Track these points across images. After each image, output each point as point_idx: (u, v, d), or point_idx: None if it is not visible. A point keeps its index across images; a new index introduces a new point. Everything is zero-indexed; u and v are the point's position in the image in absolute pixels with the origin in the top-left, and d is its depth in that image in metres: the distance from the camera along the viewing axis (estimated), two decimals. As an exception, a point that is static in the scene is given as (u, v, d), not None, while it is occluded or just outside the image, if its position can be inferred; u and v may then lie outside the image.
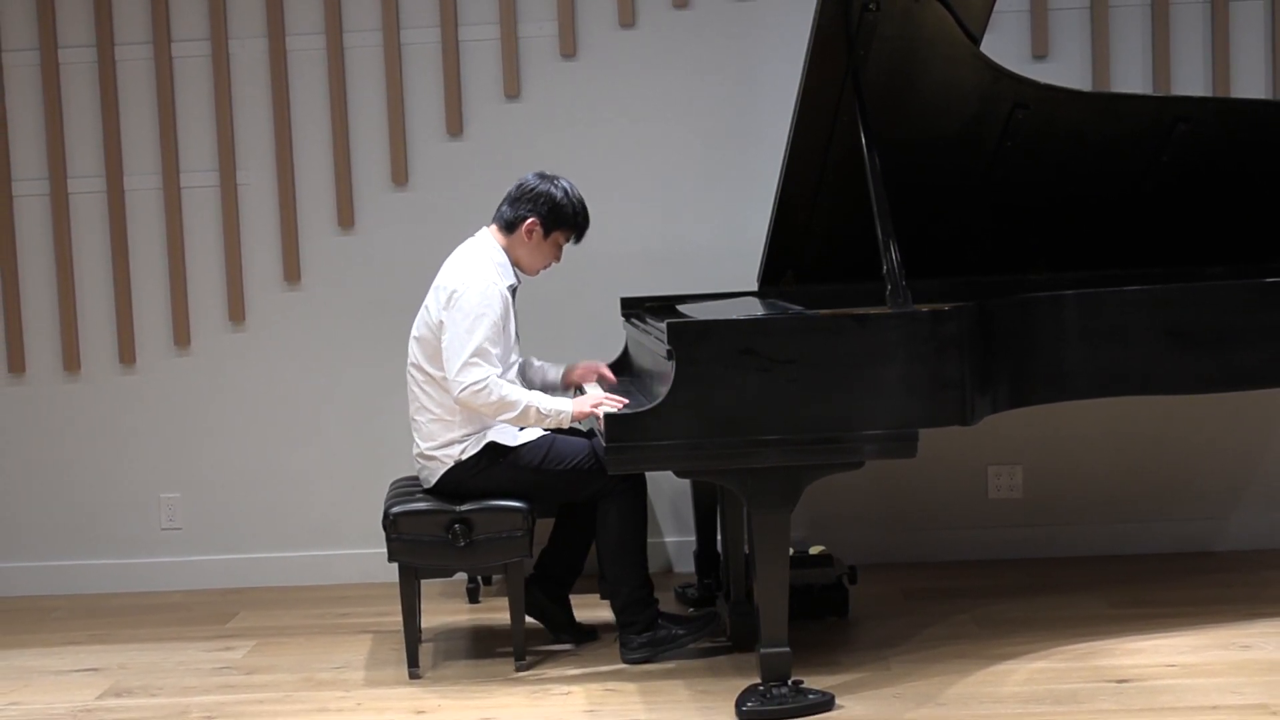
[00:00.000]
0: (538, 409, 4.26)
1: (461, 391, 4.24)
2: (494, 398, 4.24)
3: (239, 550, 5.58)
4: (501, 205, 4.49)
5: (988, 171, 4.71)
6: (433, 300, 4.40)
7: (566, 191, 4.45)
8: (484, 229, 4.51)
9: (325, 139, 5.48)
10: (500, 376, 4.28)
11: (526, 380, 4.67)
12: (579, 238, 4.52)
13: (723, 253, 5.36)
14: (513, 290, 4.43)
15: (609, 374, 4.70)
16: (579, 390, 4.65)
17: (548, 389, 4.65)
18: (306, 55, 5.47)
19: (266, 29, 5.45)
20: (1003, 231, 4.86)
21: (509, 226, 4.46)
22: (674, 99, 5.43)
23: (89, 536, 5.60)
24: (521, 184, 4.48)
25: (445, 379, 4.31)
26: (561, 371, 4.73)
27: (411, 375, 4.45)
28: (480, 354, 4.25)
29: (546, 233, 4.45)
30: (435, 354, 4.35)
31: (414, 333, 4.45)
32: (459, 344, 4.26)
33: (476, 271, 4.35)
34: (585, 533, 4.56)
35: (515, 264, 4.48)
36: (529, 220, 4.42)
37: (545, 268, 4.55)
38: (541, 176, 4.47)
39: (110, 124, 5.48)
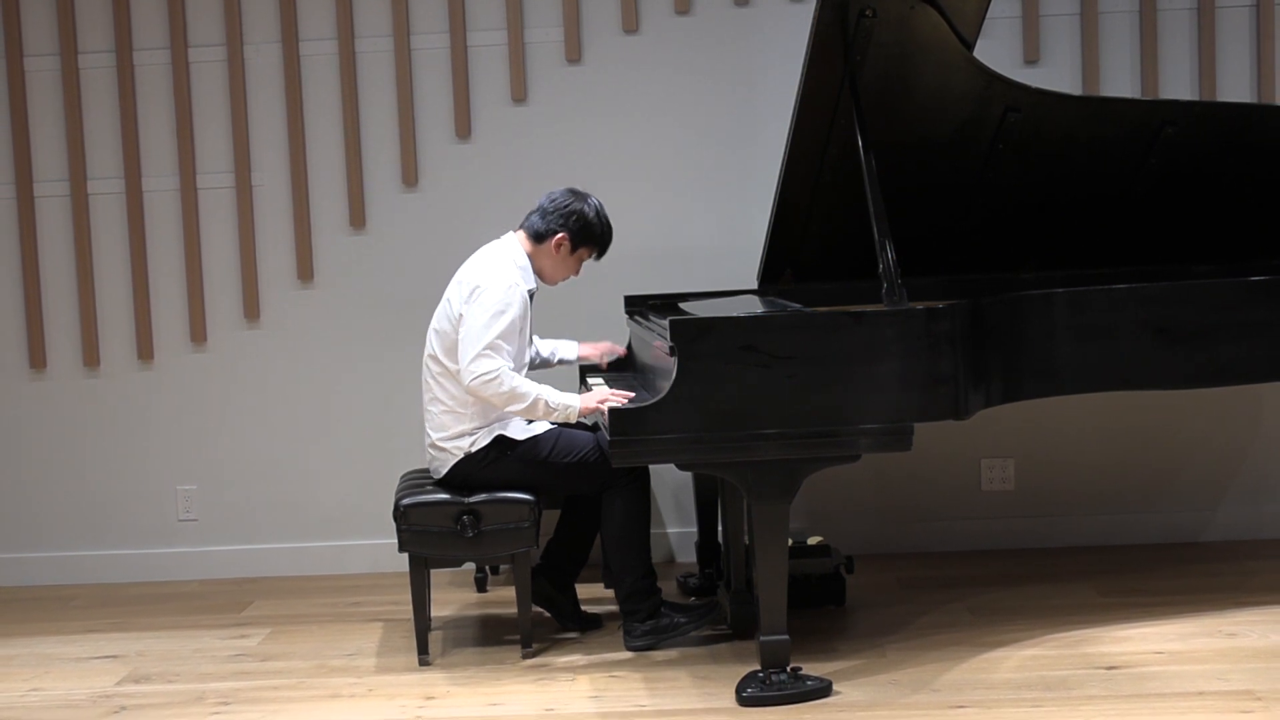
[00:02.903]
0: (546, 402, 4.26)
1: (472, 380, 4.25)
2: (505, 388, 4.24)
3: (253, 541, 5.59)
4: (532, 214, 4.48)
5: (981, 173, 4.71)
6: (455, 294, 4.40)
7: (598, 211, 4.46)
8: (510, 233, 4.51)
9: (337, 141, 5.48)
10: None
11: (539, 356, 4.76)
12: (601, 255, 4.54)
13: (723, 251, 5.36)
14: (531, 295, 4.43)
15: (620, 350, 4.84)
16: (585, 386, 4.65)
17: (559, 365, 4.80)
18: (319, 60, 5.47)
19: (280, 35, 5.45)
20: (995, 231, 4.86)
21: (538, 237, 4.45)
22: (676, 102, 5.43)
23: (107, 527, 5.60)
24: (554, 198, 4.47)
25: (459, 371, 4.31)
26: (575, 348, 4.76)
27: (427, 366, 4.46)
28: (494, 348, 4.25)
29: (574, 249, 4.46)
30: (453, 347, 4.35)
31: (434, 325, 4.45)
32: (475, 336, 4.27)
33: (501, 270, 4.35)
34: (590, 524, 4.56)
35: (537, 272, 4.48)
36: (559, 235, 4.42)
37: (564, 279, 4.56)
38: (574, 194, 4.46)
39: (129, 127, 5.48)
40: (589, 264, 4.41)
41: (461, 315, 4.32)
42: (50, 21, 5.48)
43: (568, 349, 4.85)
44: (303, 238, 5.50)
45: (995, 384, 4.10)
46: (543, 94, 5.45)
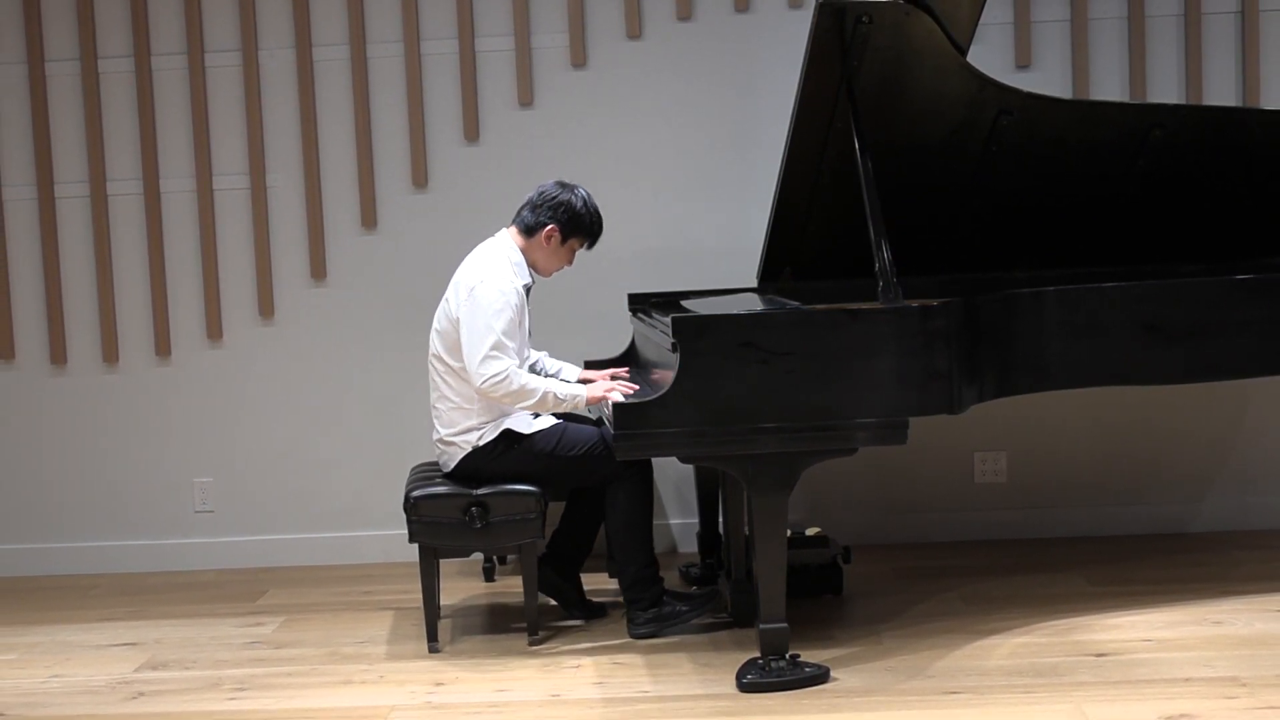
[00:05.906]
0: (555, 395, 4.27)
1: (483, 383, 4.25)
2: (514, 386, 4.24)
3: (268, 531, 5.59)
4: (522, 209, 4.49)
5: (974, 174, 4.70)
6: (452, 295, 4.40)
7: (585, 201, 4.45)
8: (503, 230, 4.52)
9: (349, 144, 5.49)
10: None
11: (545, 372, 4.69)
12: (592, 245, 4.54)
13: (724, 251, 5.36)
14: (527, 289, 4.43)
15: (623, 374, 4.69)
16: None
17: None
18: (332, 65, 5.47)
19: (294, 40, 5.46)
20: (989, 231, 4.85)
21: (529, 230, 4.46)
22: (678, 106, 5.43)
23: (126, 519, 5.61)
24: (543, 191, 4.47)
25: (464, 370, 4.32)
26: (577, 373, 4.71)
27: (433, 365, 4.46)
28: (499, 347, 4.25)
29: (564, 239, 4.45)
30: (454, 346, 4.36)
31: (435, 325, 4.46)
32: (478, 338, 4.27)
33: (494, 269, 4.36)
34: (595, 515, 4.56)
35: (531, 265, 4.48)
36: (549, 227, 4.43)
37: (558, 270, 4.56)
38: (562, 185, 4.47)
39: (147, 130, 5.49)
40: (591, 260, 4.41)
41: (459, 318, 4.32)
42: (70, 27, 5.48)
43: (570, 372, 4.78)
44: (315, 238, 5.50)
45: (988, 379, 4.10)
46: (549, 98, 5.45)
